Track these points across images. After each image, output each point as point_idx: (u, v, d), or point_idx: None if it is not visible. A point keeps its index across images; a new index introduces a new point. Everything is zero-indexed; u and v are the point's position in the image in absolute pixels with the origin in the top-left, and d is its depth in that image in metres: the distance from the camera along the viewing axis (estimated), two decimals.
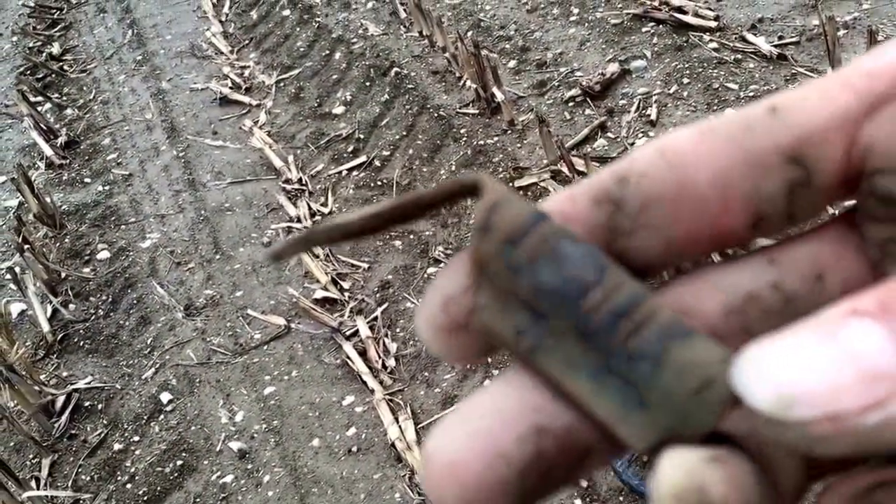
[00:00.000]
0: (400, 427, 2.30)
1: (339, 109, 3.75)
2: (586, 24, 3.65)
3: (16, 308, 3.13)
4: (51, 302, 3.07)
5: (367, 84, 3.83)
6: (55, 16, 5.56)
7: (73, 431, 2.61)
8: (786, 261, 0.27)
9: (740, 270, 0.28)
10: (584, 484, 2.08)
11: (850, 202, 0.28)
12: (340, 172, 3.36)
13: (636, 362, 0.25)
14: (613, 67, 3.27)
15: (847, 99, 0.25)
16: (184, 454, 2.44)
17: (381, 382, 2.45)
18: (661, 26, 3.43)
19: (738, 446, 0.25)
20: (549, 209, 0.27)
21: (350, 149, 3.48)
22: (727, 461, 0.23)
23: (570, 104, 3.24)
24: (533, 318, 0.26)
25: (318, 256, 2.90)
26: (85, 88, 4.61)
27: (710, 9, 3.37)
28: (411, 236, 2.89)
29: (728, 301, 0.27)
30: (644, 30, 3.46)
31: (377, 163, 3.33)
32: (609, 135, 3.02)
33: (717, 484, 0.22)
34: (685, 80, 3.10)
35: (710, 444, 0.24)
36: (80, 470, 2.48)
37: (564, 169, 2.82)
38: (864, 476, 0.24)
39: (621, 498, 2.03)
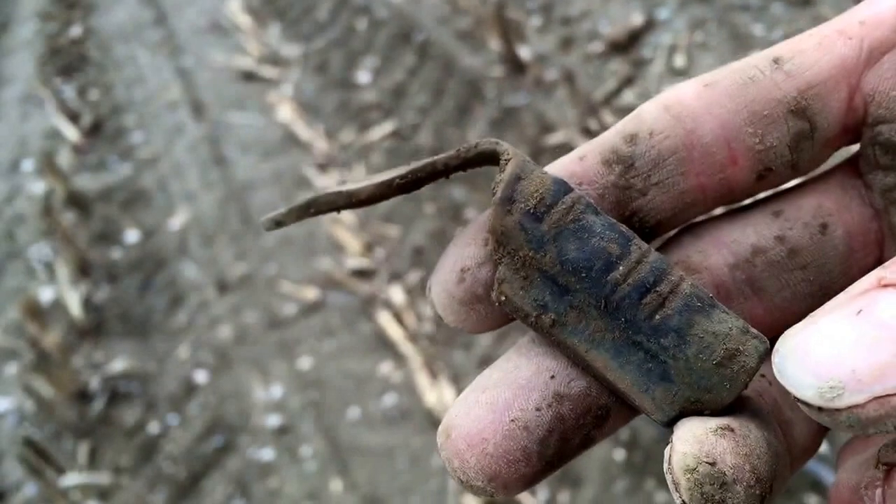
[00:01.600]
0: (438, 392, 2.28)
1: (365, 78, 3.72)
2: None
3: (47, 293, 3.12)
4: (82, 286, 3.06)
5: (392, 51, 3.79)
6: None
7: (109, 415, 2.60)
8: (790, 211, 0.27)
9: (745, 224, 0.28)
10: (626, 437, 2.06)
11: (854, 150, 0.28)
12: (370, 141, 3.33)
13: (661, 335, 0.25)
14: (638, 19, 3.23)
15: (845, 48, 0.25)
16: (222, 432, 2.43)
17: (417, 348, 2.43)
18: None
19: (752, 406, 0.25)
20: (558, 171, 0.27)
21: (378, 117, 3.45)
22: (739, 431, 0.23)
23: (597, 59, 3.19)
24: (555, 291, 0.26)
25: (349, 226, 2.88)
26: (108, 70, 4.60)
27: None
28: (442, 200, 2.86)
29: (734, 256, 0.27)
30: None
31: (407, 130, 3.30)
32: (637, 88, 2.98)
33: (728, 455, 0.22)
34: (711, 28, 3.05)
35: (725, 413, 0.24)
36: (118, 453, 2.48)
37: (594, 125, 2.79)
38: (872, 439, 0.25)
39: (662, 446, 2.01)
